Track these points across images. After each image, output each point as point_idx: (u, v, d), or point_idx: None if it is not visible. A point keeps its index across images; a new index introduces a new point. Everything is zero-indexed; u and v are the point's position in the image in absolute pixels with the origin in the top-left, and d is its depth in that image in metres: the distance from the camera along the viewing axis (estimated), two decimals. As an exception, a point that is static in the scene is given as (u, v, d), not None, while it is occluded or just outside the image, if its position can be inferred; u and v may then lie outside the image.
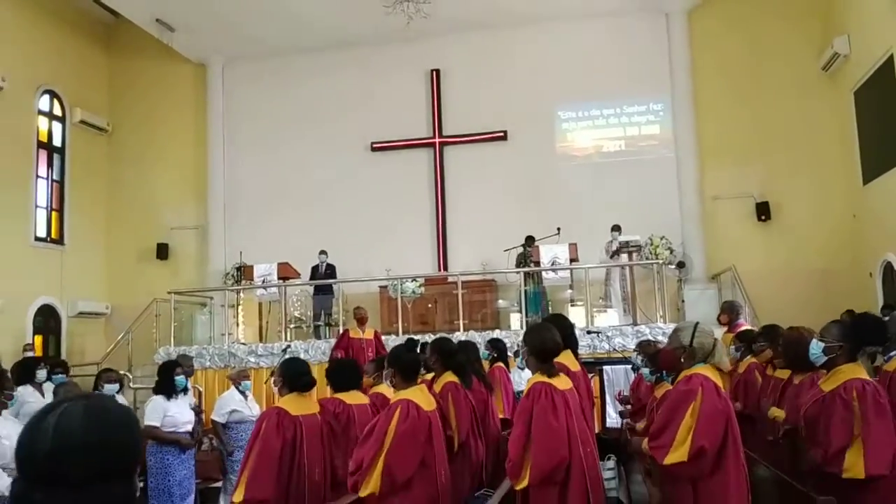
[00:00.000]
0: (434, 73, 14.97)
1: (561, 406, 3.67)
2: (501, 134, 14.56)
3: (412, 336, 7.96)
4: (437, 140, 14.82)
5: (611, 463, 5.81)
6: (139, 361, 12.99)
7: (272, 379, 4.94)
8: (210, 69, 15.85)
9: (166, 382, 6.31)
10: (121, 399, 7.32)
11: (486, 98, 14.58)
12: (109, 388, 6.44)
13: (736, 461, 3.47)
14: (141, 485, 7.04)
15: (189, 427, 6.39)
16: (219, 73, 15.85)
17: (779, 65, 13.58)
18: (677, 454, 3.41)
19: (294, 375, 4.65)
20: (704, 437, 3.36)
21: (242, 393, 7.09)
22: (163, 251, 15.49)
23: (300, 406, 4.52)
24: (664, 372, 4.99)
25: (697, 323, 3.75)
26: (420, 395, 4.15)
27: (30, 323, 13.63)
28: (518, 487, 3.69)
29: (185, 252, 15.63)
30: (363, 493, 3.72)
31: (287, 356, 10.29)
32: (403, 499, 3.72)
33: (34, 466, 1.31)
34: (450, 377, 5.34)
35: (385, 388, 5.48)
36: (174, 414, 6.27)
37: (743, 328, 7.97)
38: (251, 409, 7.02)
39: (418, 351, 4.76)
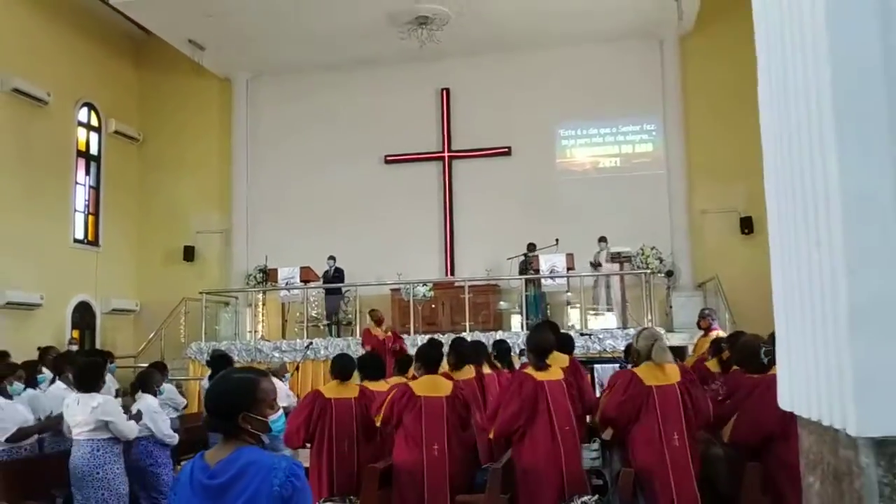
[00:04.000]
0: (444, 91, 16.12)
1: (530, 388, 4.90)
2: (506, 149, 15.70)
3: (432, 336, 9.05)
4: (446, 154, 15.97)
5: (595, 444, 7.00)
6: (169, 356, 14.10)
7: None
8: (235, 84, 16.99)
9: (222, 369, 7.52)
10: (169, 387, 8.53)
11: (493, 116, 15.70)
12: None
13: (650, 425, 4.67)
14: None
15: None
16: (243, 87, 16.99)
17: (763, 90, 14.64)
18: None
19: (340, 368, 5.83)
20: (609, 410, 4.81)
21: (281, 384, 8.28)
22: (189, 253, 16.62)
23: (337, 391, 5.69)
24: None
25: (643, 329, 4.92)
26: (420, 383, 5.42)
27: (69, 318, 14.77)
28: (493, 436, 5.03)
29: (210, 254, 16.77)
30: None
31: (308, 352, 11.51)
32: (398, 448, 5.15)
33: (205, 404, 2.44)
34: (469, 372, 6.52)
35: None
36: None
37: (715, 332, 9.19)
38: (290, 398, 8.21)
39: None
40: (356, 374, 6.12)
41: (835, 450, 1.12)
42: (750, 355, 5.35)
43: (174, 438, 6.59)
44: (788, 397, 1.30)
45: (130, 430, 5.96)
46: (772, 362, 5.06)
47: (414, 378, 5.65)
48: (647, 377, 4.72)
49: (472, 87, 15.96)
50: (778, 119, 1.30)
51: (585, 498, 4.78)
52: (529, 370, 5.11)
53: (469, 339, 10.69)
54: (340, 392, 5.71)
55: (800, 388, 1.23)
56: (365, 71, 16.23)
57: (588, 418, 6.17)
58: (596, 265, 13.03)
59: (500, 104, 15.67)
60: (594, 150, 15.65)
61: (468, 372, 6.49)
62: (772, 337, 5.33)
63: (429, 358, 5.47)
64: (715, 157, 14.77)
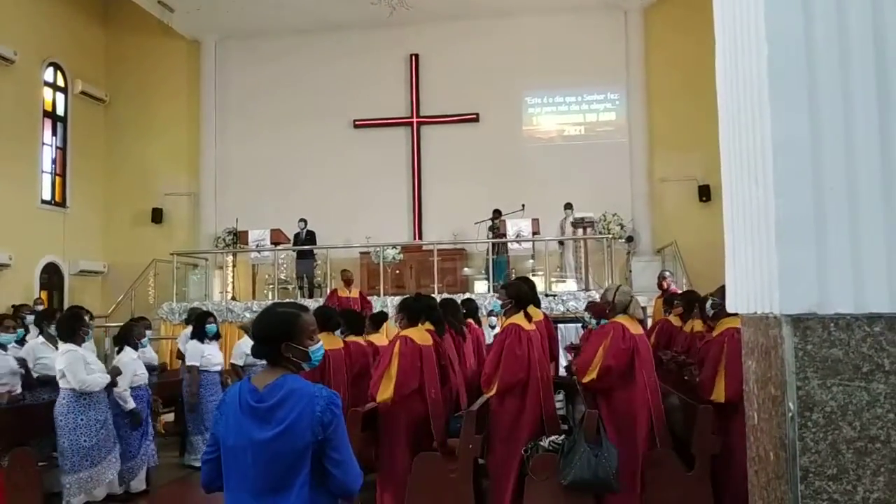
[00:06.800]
0: (413, 57, 16.32)
1: (524, 340, 5.20)
2: (474, 116, 16.02)
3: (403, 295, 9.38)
4: (414, 120, 16.23)
5: (560, 395, 7.48)
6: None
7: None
8: (203, 46, 16.97)
9: (202, 327, 7.81)
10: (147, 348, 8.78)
11: (461, 83, 15.97)
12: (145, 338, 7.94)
13: (642, 381, 5.02)
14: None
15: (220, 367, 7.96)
16: (211, 50, 16.97)
17: (723, 62, 15.13)
18: (590, 375, 5.00)
19: (325, 319, 6.14)
20: (610, 359, 4.92)
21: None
22: (157, 215, 16.68)
23: (329, 343, 6.01)
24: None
25: (619, 286, 5.30)
26: (416, 333, 5.65)
27: (37, 279, 14.82)
28: (488, 394, 5.25)
29: (178, 216, 16.84)
30: (380, 399, 5.26)
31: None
32: (407, 404, 5.26)
33: (252, 332, 2.69)
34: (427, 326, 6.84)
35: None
36: (209, 355, 7.82)
37: (672, 293, 9.74)
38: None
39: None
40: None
41: (765, 332, 1.49)
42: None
43: (128, 404, 6.56)
44: (734, 301, 1.67)
45: (84, 381, 6.06)
46: (717, 315, 5.49)
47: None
48: (630, 328, 5.11)
49: (441, 53, 16.17)
50: (730, 84, 1.66)
51: (553, 437, 5.20)
52: (518, 321, 5.43)
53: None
54: (333, 343, 6.04)
55: (742, 291, 1.61)
56: (335, 35, 16.33)
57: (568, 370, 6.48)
58: (563, 230, 13.46)
59: (468, 71, 15.92)
60: (559, 118, 16.04)
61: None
62: (720, 290, 5.77)
63: (413, 310, 5.80)
64: (675, 126, 15.24)
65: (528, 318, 5.49)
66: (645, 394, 5.13)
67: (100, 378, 6.21)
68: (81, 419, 6.06)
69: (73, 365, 6.05)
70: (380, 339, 7.40)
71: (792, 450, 1.37)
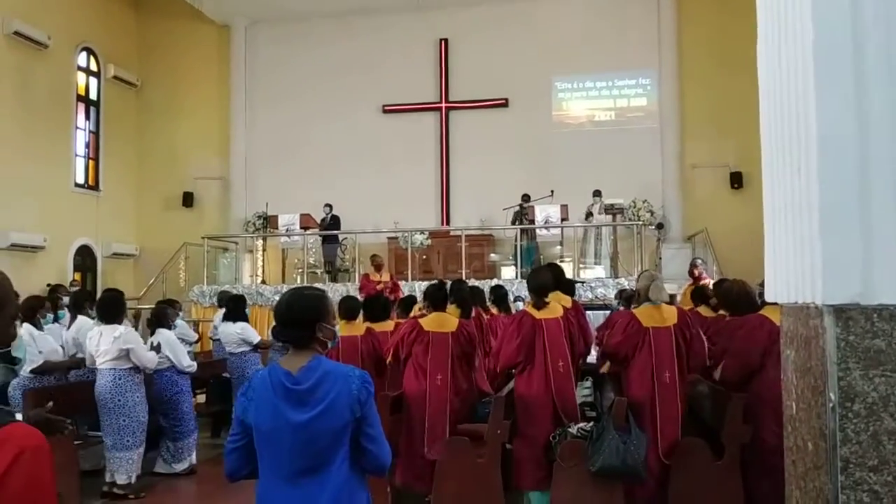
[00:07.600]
0: (443, 42, 16.26)
1: (526, 327, 5.26)
2: (503, 101, 15.93)
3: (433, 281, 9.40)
4: (443, 105, 16.19)
5: (588, 382, 7.47)
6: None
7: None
8: (233, 30, 17.04)
9: (242, 310, 7.97)
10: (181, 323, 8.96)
11: (490, 67, 15.88)
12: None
13: (644, 362, 5.01)
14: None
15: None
16: (241, 34, 17.05)
17: (757, 46, 14.88)
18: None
19: (346, 308, 6.23)
20: (610, 343, 5.14)
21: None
22: (188, 199, 16.87)
23: (346, 330, 6.09)
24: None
25: (643, 272, 5.30)
26: (428, 319, 5.70)
27: (70, 261, 15.07)
28: (497, 370, 5.59)
29: (209, 200, 17.01)
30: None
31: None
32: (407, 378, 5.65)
33: (279, 317, 2.68)
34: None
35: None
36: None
37: (705, 281, 9.63)
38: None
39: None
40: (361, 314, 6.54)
41: (806, 322, 1.48)
42: (736, 300, 5.72)
43: (193, 367, 7.10)
44: (773, 290, 1.66)
45: (150, 359, 6.38)
46: (764, 303, 5.44)
47: (422, 315, 6.03)
48: (644, 319, 5.06)
49: (471, 37, 16.10)
50: (772, 70, 1.64)
51: (581, 424, 5.21)
52: (529, 308, 5.49)
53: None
54: (349, 330, 6.12)
55: (782, 280, 1.59)
56: (364, 19, 16.33)
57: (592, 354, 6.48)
58: (588, 216, 13.40)
59: (497, 56, 15.84)
60: (590, 104, 15.92)
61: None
62: (762, 284, 5.71)
63: (436, 297, 5.84)
64: (708, 112, 15.05)
65: (541, 306, 5.49)
66: (652, 385, 5.08)
67: (155, 356, 6.48)
68: (138, 396, 6.33)
69: (139, 345, 6.32)
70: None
71: (832, 440, 1.36)
